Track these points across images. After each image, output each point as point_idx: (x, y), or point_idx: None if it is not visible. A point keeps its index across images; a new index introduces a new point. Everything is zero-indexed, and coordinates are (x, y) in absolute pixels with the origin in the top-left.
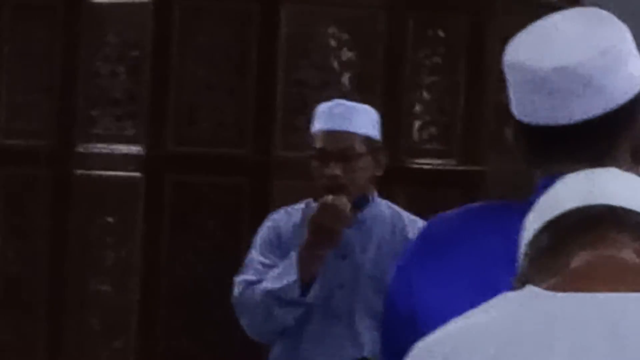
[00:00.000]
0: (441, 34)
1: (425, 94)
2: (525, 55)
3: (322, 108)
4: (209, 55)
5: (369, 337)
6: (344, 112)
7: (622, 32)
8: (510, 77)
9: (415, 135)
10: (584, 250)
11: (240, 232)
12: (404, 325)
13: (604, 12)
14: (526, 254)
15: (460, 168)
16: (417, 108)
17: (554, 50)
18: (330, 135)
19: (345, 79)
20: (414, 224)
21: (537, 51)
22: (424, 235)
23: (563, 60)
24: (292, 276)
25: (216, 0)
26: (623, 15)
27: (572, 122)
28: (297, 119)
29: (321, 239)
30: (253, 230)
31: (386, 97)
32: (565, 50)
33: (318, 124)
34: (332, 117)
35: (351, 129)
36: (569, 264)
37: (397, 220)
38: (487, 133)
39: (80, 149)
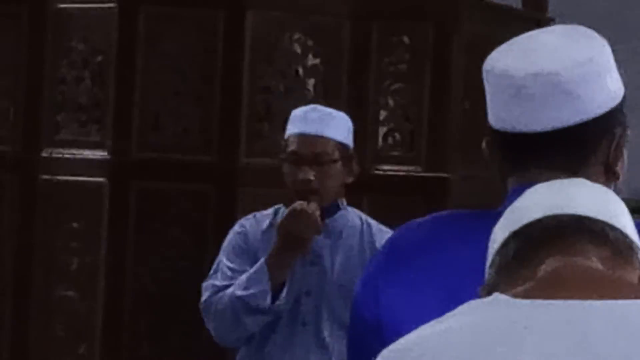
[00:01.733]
0: (406, 40)
1: (390, 101)
2: (505, 63)
3: (298, 112)
4: (174, 61)
5: (335, 344)
6: (320, 117)
7: (603, 47)
8: (488, 84)
9: (380, 142)
10: (551, 258)
11: (205, 239)
12: (371, 333)
13: (585, 28)
14: (493, 263)
15: (425, 175)
16: (382, 115)
17: (532, 58)
18: (305, 139)
19: (310, 85)
20: (383, 234)
21: (517, 59)
22: (391, 243)
23: (541, 67)
24: (263, 285)
25: (182, 6)
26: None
27: (546, 129)
28: (263, 126)
29: (290, 245)
30: (218, 237)
31: (351, 104)
32: (544, 58)
33: (293, 128)
34: (308, 122)
35: (326, 134)
36: (536, 272)
37: (366, 229)
38: (452, 140)
39: (46, 154)
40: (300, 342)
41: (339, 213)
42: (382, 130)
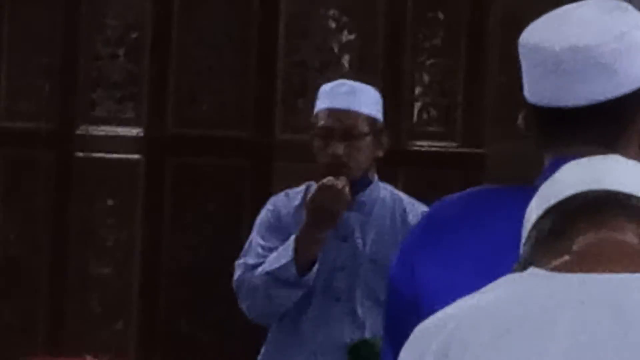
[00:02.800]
0: (441, 15)
1: (426, 76)
2: (540, 37)
3: (326, 87)
4: (209, 37)
5: (369, 319)
6: (349, 92)
7: (639, 20)
8: (524, 59)
9: (416, 117)
10: (586, 233)
11: (240, 214)
12: (407, 308)
13: (621, 2)
14: (529, 238)
15: (460, 150)
16: (418, 90)
17: (568, 32)
18: (334, 113)
19: (345, 60)
20: (414, 208)
21: (552, 33)
22: (427, 219)
23: (576, 41)
24: (288, 256)
25: None
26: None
27: (582, 104)
28: (298, 101)
29: (320, 221)
30: (254, 213)
31: (386, 79)
32: (580, 32)
33: (322, 103)
34: (337, 96)
35: (355, 108)
36: (571, 246)
37: (397, 203)
38: (488, 115)
39: (81, 131)
40: (334, 318)
41: (370, 187)
42: (418, 105)
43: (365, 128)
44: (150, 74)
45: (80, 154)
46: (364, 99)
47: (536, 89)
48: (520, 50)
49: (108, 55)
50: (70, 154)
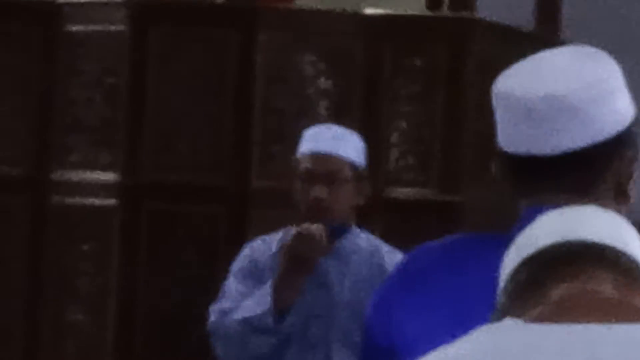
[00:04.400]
0: (419, 62)
1: (403, 123)
2: (515, 85)
3: (311, 131)
4: (186, 82)
5: None
6: (333, 136)
7: (613, 69)
8: (498, 106)
9: (393, 164)
10: (563, 284)
11: (216, 261)
12: (383, 356)
13: (595, 49)
14: (505, 289)
15: (438, 198)
16: (395, 137)
17: (543, 80)
18: (318, 157)
19: (322, 107)
20: (392, 256)
21: (527, 81)
22: (404, 266)
23: (551, 89)
24: (266, 305)
25: (193, 27)
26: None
27: (557, 152)
28: (274, 147)
29: (296, 267)
30: (229, 259)
31: (363, 126)
32: (554, 80)
33: (306, 146)
34: (321, 140)
35: (339, 153)
36: (548, 297)
37: (375, 251)
38: (466, 162)
39: (56, 176)
40: None
41: (348, 235)
42: (395, 152)
43: (348, 174)
44: (126, 119)
45: (55, 199)
46: (348, 145)
47: (510, 137)
48: (494, 98)
49: (84, 100)
50: (45, 199)
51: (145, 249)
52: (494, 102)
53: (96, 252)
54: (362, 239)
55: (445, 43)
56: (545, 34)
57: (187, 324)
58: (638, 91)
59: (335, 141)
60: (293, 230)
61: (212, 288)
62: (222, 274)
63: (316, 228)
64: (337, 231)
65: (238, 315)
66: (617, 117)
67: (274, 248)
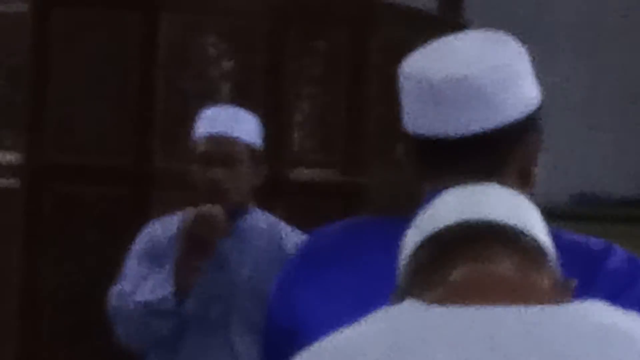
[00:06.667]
0: (322, 44)
1: (307, 105)
2: (420, 67)
3: (207, 112)
4: (89, 63)
5: (245, 350)
6: (229, 118)
7: (519, 53)
8: (403, 89)
9: (296, 145)
10: (462, 264)
11: (121, 243)
12: (285, 339)
13: (502, 34)
14: (405, 269)
15: (342, 179)
16: (298, 118)
17: (448, 63)
18: (214, 139)
19: (226, 88)
20: (293, 236)
21: (432, 63)
22: (305, 249)
23: (456, 72)
24: (167, 288)
25: (96, 8)
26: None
27: (461, 134)
28: (178, 129)
29: (195, 249)
30: (133, 241)
31: (267, 108)
32: (460, 62)
33: (202, 128)
34: (217, 122)
35: (235, 134)
36: (447, 278)
37: (275, 232)
38: (370, 144)
39: None
40: (210, 348)
41: (248, 216)
42: (299, 134)
43: (244, 155)
44: (28, 101)
45: None
46: (244, 126)
47: (414, 119)
48: (400, 80)
49: None
50: None
51: (48, 230)
52: (400, 84)
53: None
54: (262, 220)
55: (348, 26)
56: (449, 17)
57: (92, 305)
58: (544, 75)
59: (231, 122)
60: (191, 212)
61: (117, 270)
62: (125, 255)
63: (214, 209)
64: (236, 212)
65: (138, 297)
66: (522, 101)
67: (173, 229)
